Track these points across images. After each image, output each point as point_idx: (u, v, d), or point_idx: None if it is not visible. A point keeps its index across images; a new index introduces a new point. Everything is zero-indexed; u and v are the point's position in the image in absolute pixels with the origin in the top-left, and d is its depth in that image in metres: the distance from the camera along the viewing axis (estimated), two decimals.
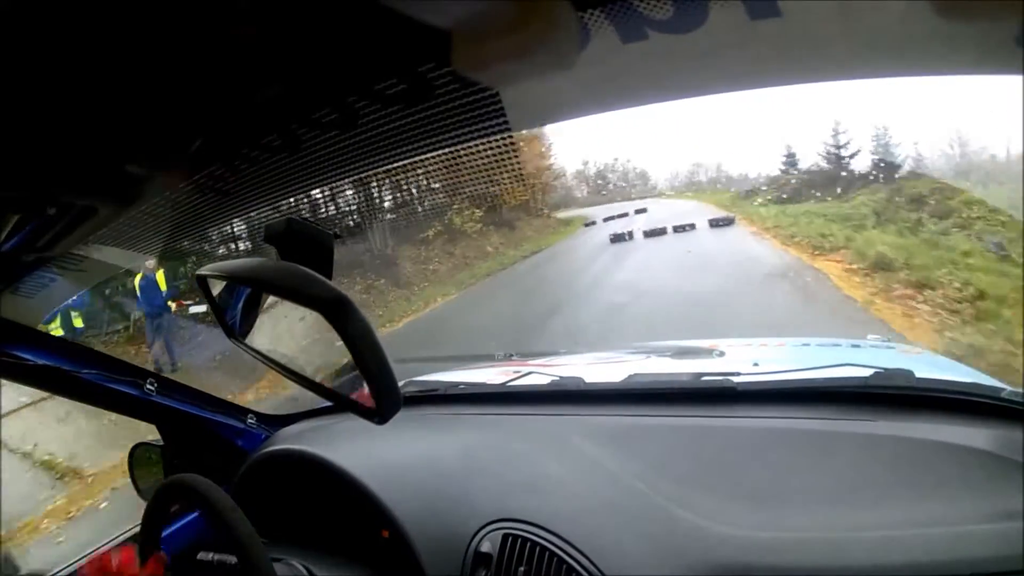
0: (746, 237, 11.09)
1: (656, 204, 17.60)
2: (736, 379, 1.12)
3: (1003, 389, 0.96)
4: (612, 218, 16.35)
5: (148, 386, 1.25)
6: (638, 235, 13.15)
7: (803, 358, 1.58)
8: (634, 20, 0.39)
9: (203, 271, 0.67)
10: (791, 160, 15.38)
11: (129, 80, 0.47)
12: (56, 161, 0.58)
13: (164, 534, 1.08)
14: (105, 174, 0.63)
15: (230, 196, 0.73)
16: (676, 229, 12.97)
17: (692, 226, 12.86)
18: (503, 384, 1.41)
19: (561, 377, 1.37)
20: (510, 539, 0.91)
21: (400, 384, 0.59)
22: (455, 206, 13.32)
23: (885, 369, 1.05)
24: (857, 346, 1.64)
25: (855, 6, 0.36)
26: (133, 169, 0.63)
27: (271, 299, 0.74)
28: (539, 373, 1.45)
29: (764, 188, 15.21)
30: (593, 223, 16.65)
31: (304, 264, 0.57)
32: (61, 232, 0.74)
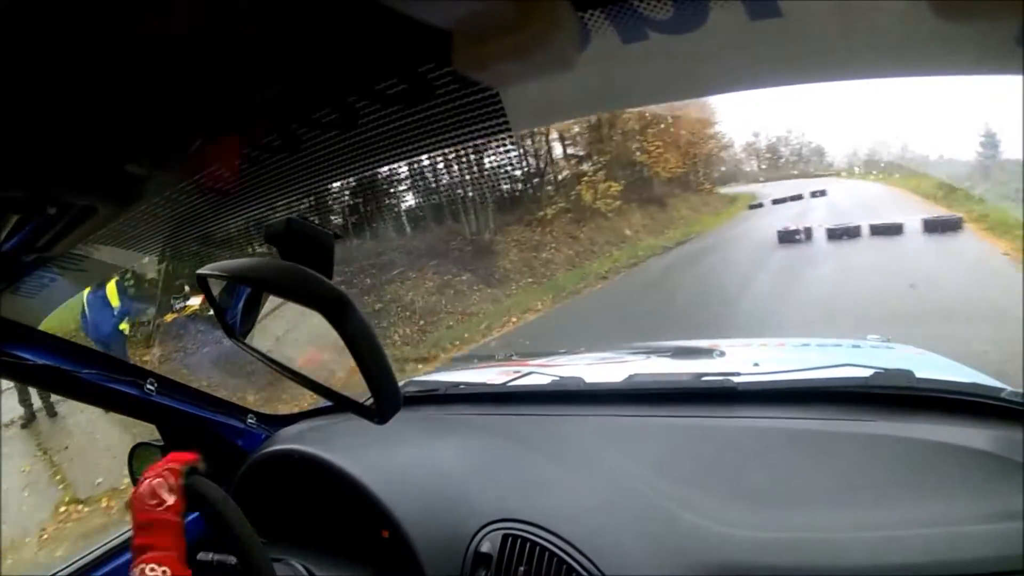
0: (999, 260, 6.52)
1: (836, 185, 13.86)
2: (736, 379, 1.12)
3: (1003, 389, 0.96)
4: (783, 200, 13.14)
5: (148, 386, 1.25)
6: (818, 234, 9.38)
7: (803, 358, 1.58)
8: (634, 20, 0.39)
9: (203, 271, 0.67)
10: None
11: (129, 80, 0.47)
12: (56, 161, 0.58)
13: None
14: (105, 174, 0.63)
15: (230, 196, 0.73)
16: (875, 231, 8.91)
17: (898, 228, 8.73)
18: (503, 384, 1.41)
19: (561, 377, 1.37)
20: (510, 539, 0.91)
21: (400, 384, 0.59)
22: (588, 176, 10.94)
23: (885, 369, 1.05)
24: (857, 346, 1.64)
25: (855, 6, 0.36)
26: (133, 169, 0.63)
27: (272, 299, 0.74)
28: (539, 373, 1.45)
29: (974, 176, 11.30)
30: (759, 205, 13.47)
31: (304, 264, 0.57)
32: (61, 232, 0.74)
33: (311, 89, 0.52)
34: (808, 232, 9.49)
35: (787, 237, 9.46)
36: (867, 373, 1.05)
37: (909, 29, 0.36)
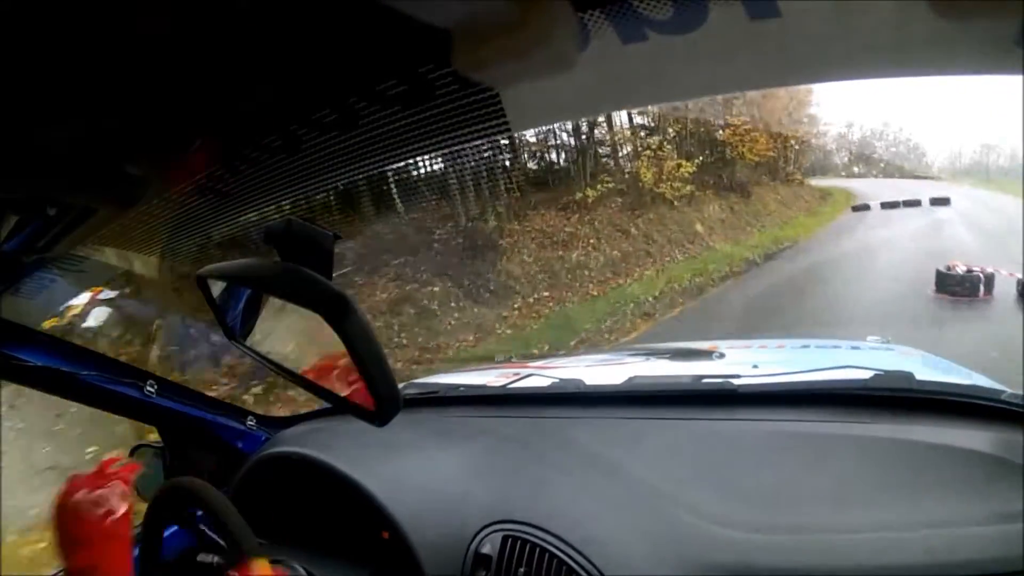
0: None
1: (955, 191, 11.18)
2: (736, 381, 1.12)
3: (1003, 391, 0.96)
4: (894, 205, 10.53)
5: (148, 388, 1.24)
6: (1004, 287, 5.50)
7: (803, 360, 1.58)
8: (634, 21, 0.39)
9: (203, 272, 0.67)
10: None
11: (129, 80, 0.47)
12: (56, 161, 0.58)
13: (165, 534, 1.08)
14: (105, 175, 0.63)
15: (230, 197, 0.73)
16: None
17: None
18: (503, 387, 1.41)
19: (561, 379, 1.36)
20: (510, 540, 0.91)
21: (400, 386, 0.59)
22: (650, 150, 7.97)
23: (885, 371, 1.05)
24: (857, 348, 1.64)
25: (855, 6, 0.36)
26: (133, 170, 0.63)
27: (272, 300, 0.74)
28: (539, 375, 1.44)
29: None
30: (865, 207, 10.62)
31: (304, 265, 0.57)
32: (61, 233, 0.74)
33: (311, 90, 0.52)
34: (988, 281, 5.49)
35: (952, 284, 5.45)
36: (867, 375, 1.05)
37: (909, 29, 0.36)
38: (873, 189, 11.58)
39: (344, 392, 0.63)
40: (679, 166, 8.24)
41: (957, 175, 14.02)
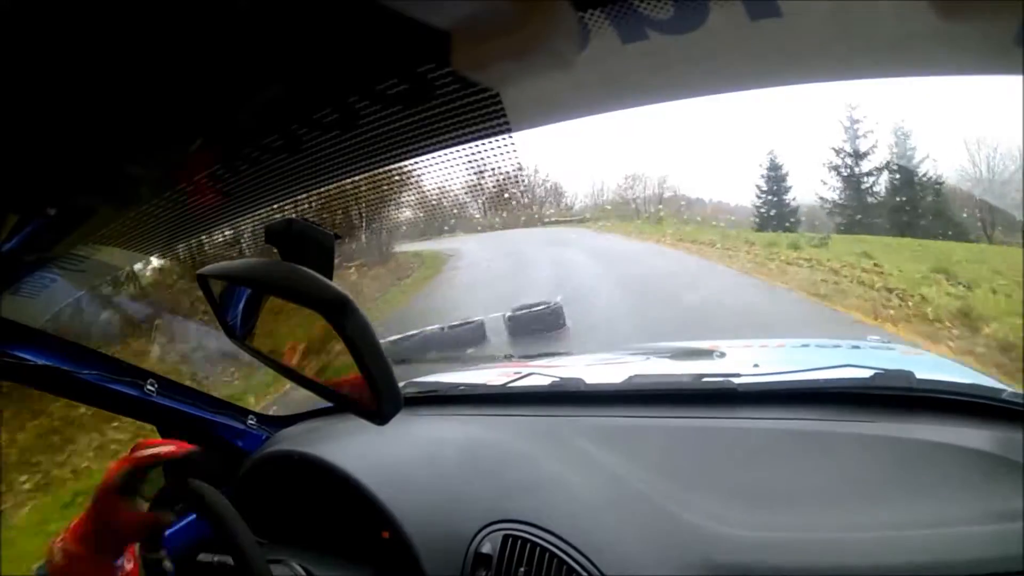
0: None
1: (589, 240, 10.40)
2: (736, 380, 1.12)
3: (1003, 390, 0.96)
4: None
5: (148, 387, 1.24)
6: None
7: (803, 359, 1.58)
8: (634, 20, 0.39)
9: (204, 272, 0.67)
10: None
11: (130, 80, 0.47)
12: (57, 161, 0.58)
13: (166, 534, 1.08)
14: (105, 174, 0.63)
15: (230, 197, 0.73)
16: None
17: None
18: (503, 385, 1.41)
19: (561, 378, 1.36)
20: (510, 540, 0.91)
21: (400, 385, 0.59)
22: None
23: (885, 370, 1.05)
24: (857, 347, 1.64)
25: (855, 6, 0.36)
26: (133, 169, 0.63)
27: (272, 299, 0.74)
28: (539, 374, 1.44)
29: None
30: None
31: (305, 264, 0.57)
32: (61, 232, 0.74)
33: (312, 89, 0.52)
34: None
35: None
36: (867, 374, 1.05)
37: (909, 29, 0.36)
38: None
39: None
40: None
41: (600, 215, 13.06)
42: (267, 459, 1.27)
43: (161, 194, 0.70)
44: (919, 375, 1.02)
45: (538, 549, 0.88)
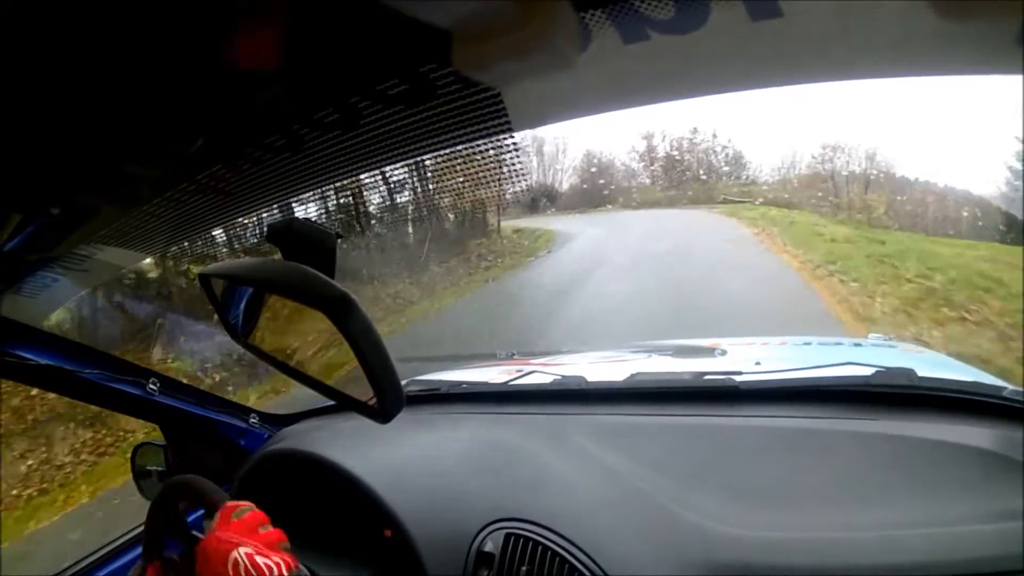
0: None
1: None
2: (738, 378, 1.12)
3: (1005, 388, 0.95)
4: None
5: (151, 385, 1.25)
6: None
7: (805, 357, 1.58)
8: (635, 20, 0.39)
9: (206, 271, 0.68)
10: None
11: (131, 80, 0.47)
12: (59, 161, 0.58)
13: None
14: (108, 174, 0.63)
15: (232, 196, 0.73)
16: None
17: None
18: (505, 383, 1.41)
19: (563, 376, 1.36)
20: (512, 538, 0.91)
21: (402, 383, 0.60)
22: None
23: (887, 368, 1.05)
24: (859, 345, 1.64)
25: (855, 6, 0.36)
26: (135, 169, 0.63)
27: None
28: (541, 372, 1.44)
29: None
30: None
31: (307, 263, 0.58)
32: (63, 232, 0.74)
33: (313, 89, 0.52)
34: None
35: None
36: (869, 372, 1.05)
37: (909, 29, 0.36)
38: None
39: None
40: None
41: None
42: (269, 457, 1.27)
43: (163, 194, 0.71)
44: (920, 373, 1.01)
45: (540, 548, 0.88)
